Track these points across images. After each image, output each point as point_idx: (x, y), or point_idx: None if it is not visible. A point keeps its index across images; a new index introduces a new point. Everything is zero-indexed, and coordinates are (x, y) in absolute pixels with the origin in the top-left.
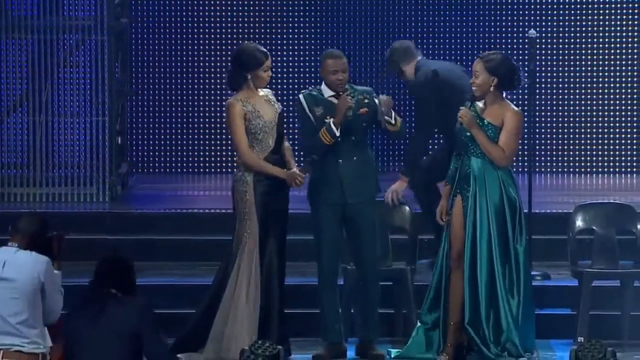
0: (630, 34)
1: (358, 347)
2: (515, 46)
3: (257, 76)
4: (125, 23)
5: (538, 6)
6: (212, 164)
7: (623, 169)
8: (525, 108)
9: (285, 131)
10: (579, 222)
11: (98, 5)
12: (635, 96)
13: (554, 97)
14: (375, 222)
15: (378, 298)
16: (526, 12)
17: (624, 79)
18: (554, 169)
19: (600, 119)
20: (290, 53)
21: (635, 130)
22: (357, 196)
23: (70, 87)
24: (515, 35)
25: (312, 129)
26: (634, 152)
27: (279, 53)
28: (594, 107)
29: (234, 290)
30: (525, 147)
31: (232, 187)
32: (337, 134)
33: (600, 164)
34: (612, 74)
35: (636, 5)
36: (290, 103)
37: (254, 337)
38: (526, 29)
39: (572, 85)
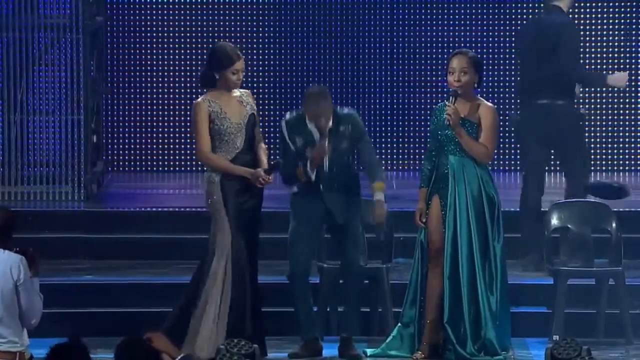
0: (612, 31)
1: (340, 347)
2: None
3: (225, 78)
4: (100, 21)
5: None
6: (188, 163)
7: (598, 168)
8: (501, 107)
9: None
10: (555, 221)
11: (73, 3)
12: (610, 94)
13: None
14: (359, 221)
15: (359, 295)
16: (519, 6)
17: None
18: None
19: None
20: (263, 53)
21: (610, 129)
22: (343, 212)
23: (46, 86)
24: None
25: (291, 157)
26: (609, 151)
27: (254, 52)
28: None
29: (210, 290)
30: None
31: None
32: (312, 178)
33: None
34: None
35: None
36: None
37: (223, 338)
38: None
39: None
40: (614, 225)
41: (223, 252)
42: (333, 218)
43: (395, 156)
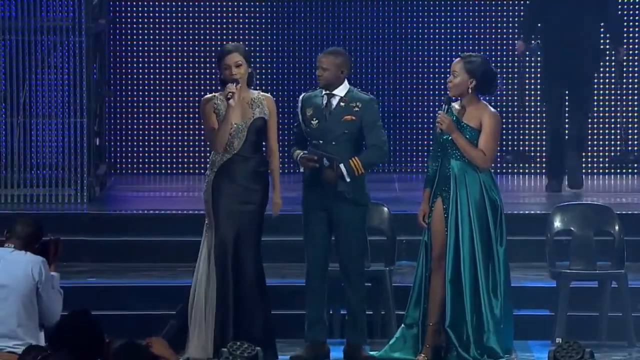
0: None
1: (345, 350)
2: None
3: (222, 74)
4: (103, 24)
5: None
6: (190, 165)
7: (601, 170)
8: (504, 110)
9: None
10: (557, 223)
11: (76, 6)
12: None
13: (532, 101)
14: (361, 224)
15: (364, 301)
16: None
17: (609, 79)
18: (534, 170)
19: None
20: (265, 56)
21: (606, 131)
22: (342, 198)
23: (48, 89)
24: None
25: (298, 130)
26: (610, 154)
27: (255, 55)
28: None
29: (201, 293)
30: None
31: None
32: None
33: None
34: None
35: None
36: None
37: (211, 339)
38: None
39: None
40: (616, 227)
41: (210, 253)
42: (339, 212)
43: (397, 159)
